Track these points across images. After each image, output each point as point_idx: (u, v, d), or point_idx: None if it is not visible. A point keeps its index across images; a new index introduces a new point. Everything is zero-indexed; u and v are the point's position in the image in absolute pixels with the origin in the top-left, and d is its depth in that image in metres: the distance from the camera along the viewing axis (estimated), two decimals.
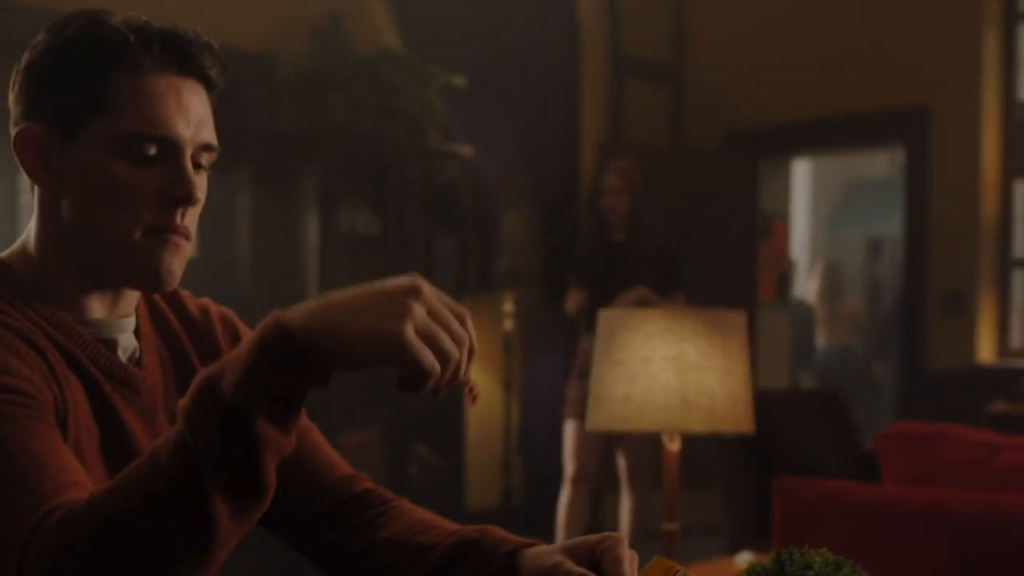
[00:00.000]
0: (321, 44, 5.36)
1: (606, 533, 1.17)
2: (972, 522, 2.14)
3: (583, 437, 4.72)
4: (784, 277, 7.29)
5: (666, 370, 2.65)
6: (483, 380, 6.13)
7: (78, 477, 1.09)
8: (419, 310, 1.00)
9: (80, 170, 1.24)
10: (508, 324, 5.93)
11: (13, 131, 1.27)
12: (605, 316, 2.79)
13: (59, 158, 1.24)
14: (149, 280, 1.27)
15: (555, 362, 5.96)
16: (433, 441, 5.68)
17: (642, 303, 4.67)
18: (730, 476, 3.85)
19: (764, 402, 3.65)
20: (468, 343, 1.03)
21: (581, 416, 4.60)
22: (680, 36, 6.95)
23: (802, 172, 9.43)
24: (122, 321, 1.31)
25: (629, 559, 1.14)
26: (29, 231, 1.30)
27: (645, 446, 4.78)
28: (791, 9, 6.66)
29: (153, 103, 1.22)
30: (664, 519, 2.80)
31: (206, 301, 1.44)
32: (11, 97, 1.28)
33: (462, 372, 1.03)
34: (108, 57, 1.22)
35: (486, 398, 6.12)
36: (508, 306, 5.91)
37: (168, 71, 1.24)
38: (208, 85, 1.29)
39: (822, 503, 2.35)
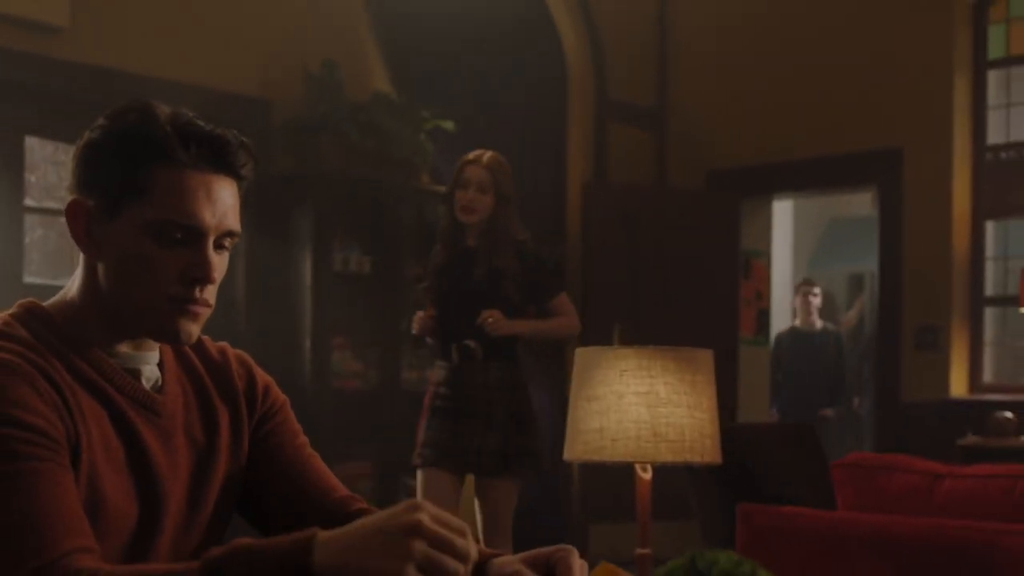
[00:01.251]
0: (316, 90, 5.57)
1: (560, 545, 1.37)
2: (914, 545, 2.33)
3: (435, 488, 4.00)
4: (764, 314, 7.49)
5: (638, 405, 2.83)
6: None
7: (76, 524, 1.30)
8: (419, 547, 1.13)
9: (117, 243, 1.44)
10: None
11: (67, 200, 1.47)
12: (581, 354, 2.98)
13: (101, 230, 1.45)
14: (170, 339, 1.49)
15: (542, 395, 6.13)
16: None
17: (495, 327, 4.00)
18: (706, 507, 4.03)
19: (741, 435, 3.84)
20: (470, 556, 1.16)
21: (431, 462, 4.02)
22: (663, 81, 7.19)
23: (786, 209, 9.66)
24: (146, 355, 1.52)
25: (579, 567, 1.33)
26: (73, 280, 1.50)
27: (508, 498, 4.09)
28: (770, 55, 6.90)
29: (185, 195, 1.42)
30: (637, 545, 2.98)
31: (224, 344, 1.64)
32: (70, 168, 1.49)
33: None
34: (151, 151, 1.42)
35: None
36: None
37: (202, 167, 1.44)
38: (238, 179, 1.49)
39: (779, 527, 2.54)
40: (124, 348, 1.49)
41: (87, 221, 1.45)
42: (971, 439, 5.96)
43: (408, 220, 5.88)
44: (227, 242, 1.49)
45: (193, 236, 1.44)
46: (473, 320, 4.02)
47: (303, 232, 5.50)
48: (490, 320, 4.01)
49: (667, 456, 2.85)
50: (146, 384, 1.50)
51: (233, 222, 1.48)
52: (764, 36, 6.93)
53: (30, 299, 1.50)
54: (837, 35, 6.69)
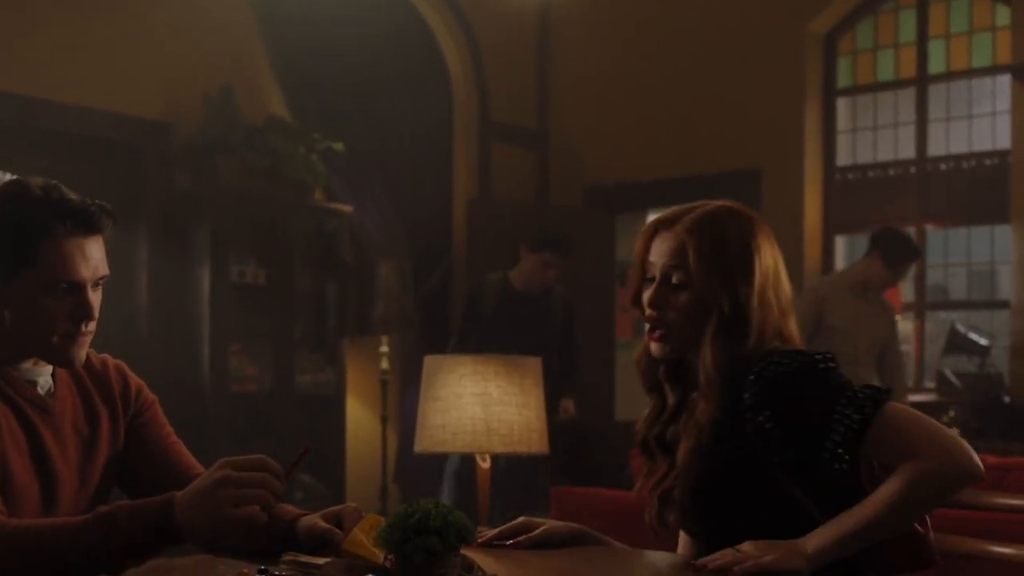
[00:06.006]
0: (214, 113, 5.98)
1: (347, 504, 1.86)
2: None
3: None
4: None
5: (474, 404, 3.34)
6: (362, 414, 6.77)
7: None
8: (228, 493, 1.64)
9: (18, 300, 1.90)
10: (384, 363, 6.57)
11: None
12: (428, 361, 3.48)
13: (3, 290, 1.90)
14: (64, 363, 1.96)
15: None
16: (316, 469, 6.26)
17: None
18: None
19: (573, 430, 4.36)
20: (271, 478, 1.66)
21: None
22: (543, 103, 7.70)
23: None
24: (42, 369, 1.98)
25: (359, 517, 1.82)
26: None
27: None
28: (644, 83, 7.44)
29: (65, 259, 1.88)
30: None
31: (106, 356, 2.11)
32: None
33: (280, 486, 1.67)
34: (33, 230, 1.87)
35: (366, 430, 6.75)
36: (384, 347, 6.56)
37: (76, 233, 1.89)
38: (103, 234, 1.95)
39: (584, 505, 3.05)
40: (26, 364, 1.96)
41: None
42: None
43: (301, 234, 6.33)
44: (101, 282, 1.95)
45: (75, 287, 1.90)
46: None
47: (202, 246, 5.89)
48: None
49: (499, 447, 3.36)
50: (41, 391, 1.97)
51: (103, 268, 1.95)
52: (638, 65, 7.46)
53: None
54: (703, 65, 7.24)
